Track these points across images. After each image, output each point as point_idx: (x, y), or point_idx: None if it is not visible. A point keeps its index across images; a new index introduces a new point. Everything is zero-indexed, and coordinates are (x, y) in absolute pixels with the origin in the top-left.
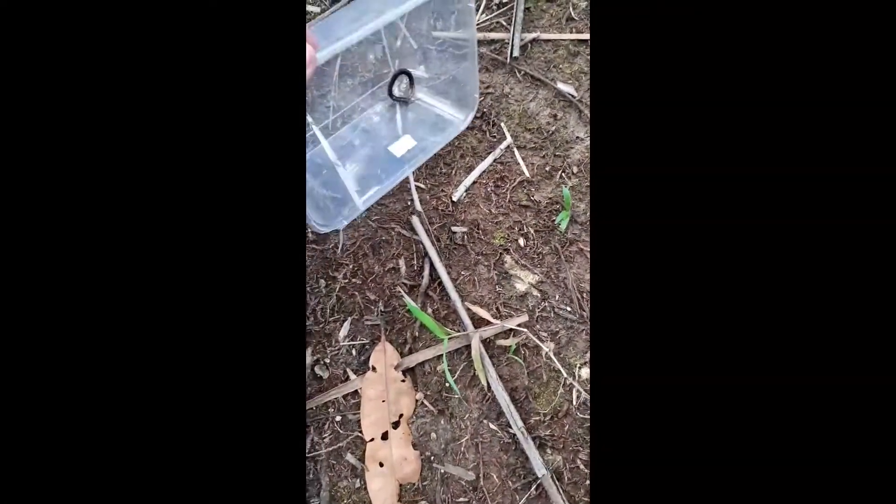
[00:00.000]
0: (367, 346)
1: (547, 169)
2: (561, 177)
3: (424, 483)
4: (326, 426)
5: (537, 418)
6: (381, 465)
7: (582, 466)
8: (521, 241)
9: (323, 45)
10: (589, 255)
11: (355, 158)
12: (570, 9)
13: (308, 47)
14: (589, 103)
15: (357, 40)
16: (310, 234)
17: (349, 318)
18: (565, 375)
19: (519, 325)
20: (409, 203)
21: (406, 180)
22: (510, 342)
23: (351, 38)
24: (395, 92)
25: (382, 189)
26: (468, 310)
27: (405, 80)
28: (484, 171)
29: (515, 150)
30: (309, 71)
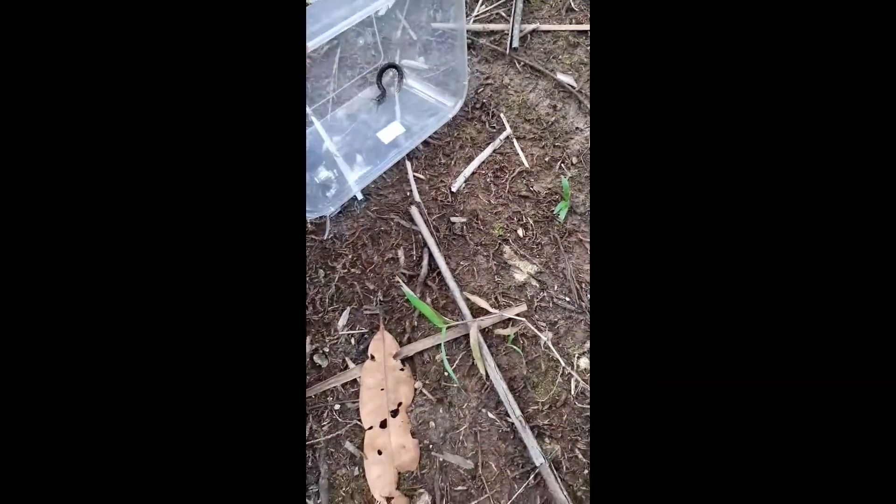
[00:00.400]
0: (365, 336)
1: (546, 159)
2: (560, 167)
3: (423, 471)
4: (325, 414)
5: (535, 407)
6: (380, 452)
7: (580, 456)
8: (520, 232)
9: (313, 29)
10: (588, 246)
11: (347, 144)
12: (570, 0)
13: None
14: (588, 94)
15: (344, 29)
16: (309, 225)
17: (348, 308)
18: (563, 365)
19: (518, 315)
20: (408, 194)
21: (405, 170)
22: (509, 332)
23: (339, 26)
24: (384, 82)
25: (373, 172)
26: (467, 300)
27: (393, 71)
28: (483, 162)
29: (515, 140)
30: None
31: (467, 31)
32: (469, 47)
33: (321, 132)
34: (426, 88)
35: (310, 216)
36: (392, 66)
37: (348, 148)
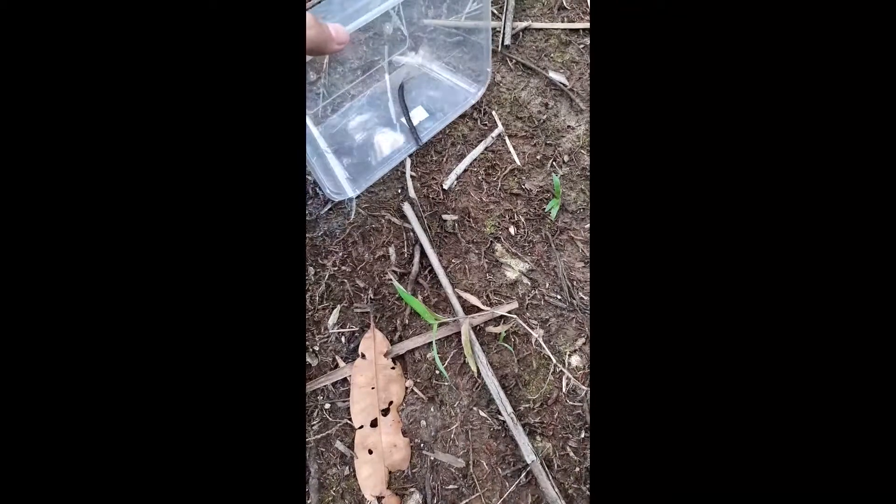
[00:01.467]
0: (356, 334)
1: (538, 157)
2: (552, 165)
3: (414, 470)
4: (315, 413)
5: (527, 405)
6: (371, 452)
7: (571, 453)
8: (512, 230)
9: (339, 18)
10: (579, 244)
11: (349, 144)
12: None
13: (337, 25)
14: (580, 92)
15: (377, 14)
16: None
17: (338, 306)
18: (555, 362)
19: (509, 313)
20: (399, 191)
21: (398, 167)
22: (500, 329)
23: (371, 13)
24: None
25: (388, 165)
26: (458, 297)
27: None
28: (475, 160)
29: (506, 138)
30: (339, 48)
31: (459, 28)
32: (461, 44)
33: (318, 138)
34: (448, 74)
35: (337, 197)
36: (401, 87)
37: (353, 148)
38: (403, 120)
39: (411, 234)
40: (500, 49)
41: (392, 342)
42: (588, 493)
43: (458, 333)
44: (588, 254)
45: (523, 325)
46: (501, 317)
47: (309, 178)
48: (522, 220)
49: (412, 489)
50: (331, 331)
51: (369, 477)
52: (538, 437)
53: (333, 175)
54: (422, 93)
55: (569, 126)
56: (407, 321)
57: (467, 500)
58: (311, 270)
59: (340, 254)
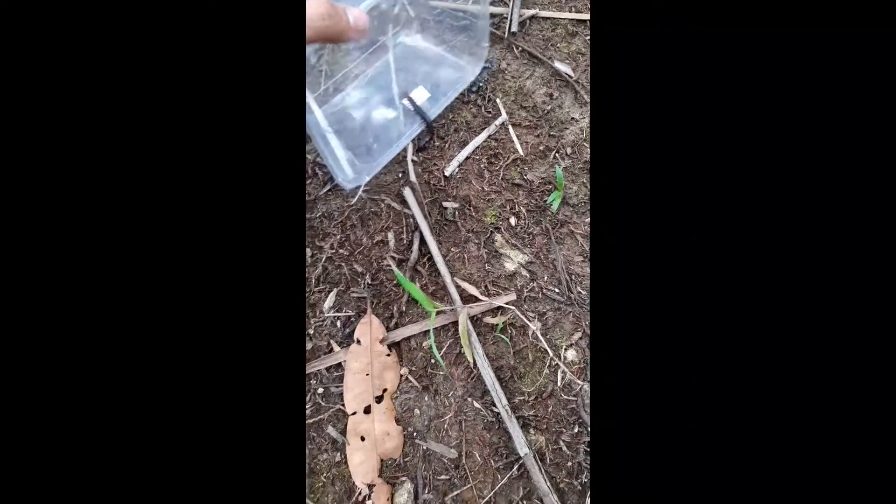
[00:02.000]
0: (352, 319)
1: (541, 148)
2: (555, 157)
3: (406, 459)
4: (308, 398)
5: (522, 398)
6: (363, 439)
7: (564, 447)
8: (513, 220)
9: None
10: (579, 238)
11: (350, 125)
12: None
13: (358, 11)
14: (585, 84)
15: None
16: None
17: (335, 290)
18: (551, 356)
19: (507, 304)
20: (399, 175)
21: (403, 150)
22: (497, 320)
23: None
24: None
25: (392, 151)
26: (457, 286)
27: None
28: (477, 147)
29: (510, 127)
30: (357, 37)
31: (465, 12)
32: (467, 28)
33: (319, 119)
34: (451, 55)
35: (349, 186)
36: (406, 96)
37: (354, 130)
38: (407, 103)
39: (411, 219)
40: (506, 36)
41: (388, 329)
42: (579, 487)
43: (455, 323)
44: (588, 248)
45: (521, 316)
46: (499, 308)
47: (308, 157)
48: (523, 211)
49: (404, 478)
50: (326, 314)
51: (361, 464)
52: (532, 431)
53: (349, 162)
54: (420, 72)
55: (573, 118)
56: (404, 308)
57: (459, 491)
58: (307, 252)
59: (338, 236)
